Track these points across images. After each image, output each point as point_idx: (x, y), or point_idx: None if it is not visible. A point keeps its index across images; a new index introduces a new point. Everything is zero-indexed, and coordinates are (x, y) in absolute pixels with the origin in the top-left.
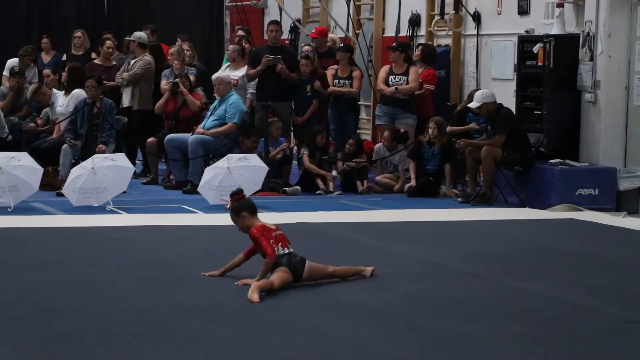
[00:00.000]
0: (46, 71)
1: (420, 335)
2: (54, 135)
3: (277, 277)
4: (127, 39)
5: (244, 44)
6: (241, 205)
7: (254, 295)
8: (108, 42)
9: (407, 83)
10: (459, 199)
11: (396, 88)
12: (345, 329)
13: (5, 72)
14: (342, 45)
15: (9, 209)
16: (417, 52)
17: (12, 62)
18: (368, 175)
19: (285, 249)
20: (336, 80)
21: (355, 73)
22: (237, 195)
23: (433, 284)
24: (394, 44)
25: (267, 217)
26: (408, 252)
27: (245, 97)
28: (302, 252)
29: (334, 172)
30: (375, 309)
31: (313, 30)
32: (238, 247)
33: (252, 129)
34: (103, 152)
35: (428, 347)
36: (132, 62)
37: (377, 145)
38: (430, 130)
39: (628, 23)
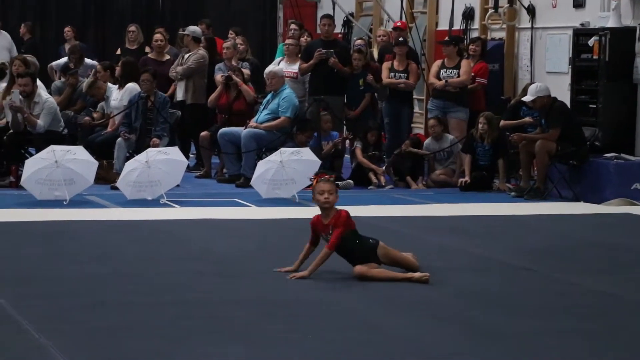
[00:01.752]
0: (98, 67)
1: (471, 329)
2: (109, 129)
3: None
4: (180, 32)
5: (305, 37)
6: (327, 179)
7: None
8: (157, 36)
9: (459, 76)
10: (513, 193)
11: (446, 81)
12: (397, 324)
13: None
14: (401, 39)
15: (64, 202)
16: (473, 47)
17: (58, 63)
18: (424, 172)
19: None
20: (392, 74)
21: (412, 66)
22: (331, 175)
23: (485, 279)
24: (447, 38)
25: (317, 211)
26: (460, 246)
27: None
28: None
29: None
30: (427, 303)
31: (398, 22)
32: (290, 241)
33: (307, 124)
34: (157, 145)
35: (479, 341)
36: (186, 56)
37: (425, 141)
38: (480, 125)
39: None
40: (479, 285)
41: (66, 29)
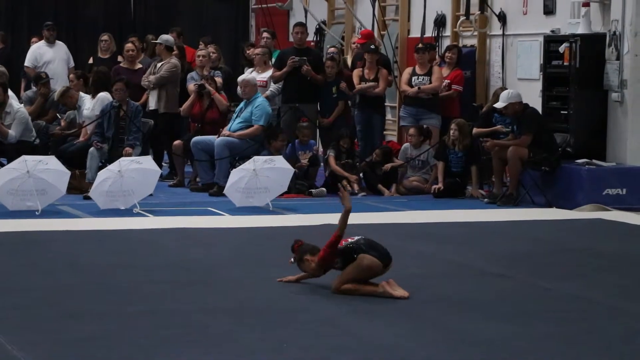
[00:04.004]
0: (71, 75)
1: (447, 335)
2: (81, 139)
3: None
4: (152, 41)
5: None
6: (303, 251)
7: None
8: (128, 45)
9: (430, 83)
10: (486, 199)
11: (419, 88)
12: (373, 330)
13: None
14: (371, 47)
15: (36, 212)
16: (449, 54)
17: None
18: (397, 178)
19: (355, 238)
20: (363, 81)
21: (382, 73)
22: (295, 244)
23: (460, 285)
24: (421, 45)
25: (293, 219)
26: (435, 252)
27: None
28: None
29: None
30: (403, 309)
31: (360, 36)
32: (264, 249)
33: (278, 130)
34: (130, 154)
35: (455, 347)
36: (159, 65)
37: (403, 146)
38: (451, 132)
39: None
40: (455, 291)
41: (33, 39)
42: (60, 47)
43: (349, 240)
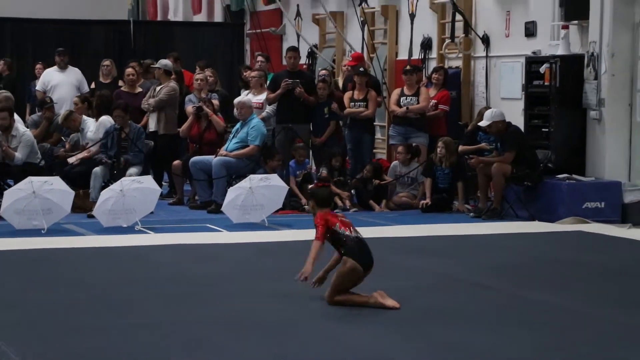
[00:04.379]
0: (75, 99)
1: (433, 344)
2: (84, 156)
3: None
4: (151, 66)
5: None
6: (311, 194)
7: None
8: (128, 70)
9: (418, 103)
10: (471, 214)
11: (407, 108)
12: (364, 340)
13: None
14: (361, 69)
15: (42, 231)
16: (436, 75)
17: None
18: (387, 195)
19: (354, 233)
20: (352, 103)
21: (371, 95)
22: (319, 183)
23: (446, 295)
24: (408, 67)
25: (288, 234)
26: (423, 265)
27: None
28: (322, 266)
29: (352, 190)
30: (392, 319)
31: (351, 59)
32: (261, 263)
33: (274, 150)
34: (127, 163)
35: (441, 355)
36: (158, 88)
37: (392, 163)
38: (438, 150)
39: (630, 43)
40: (441, 301)
41: (37, 66)
42: (72, 72)
43: (348, 231)
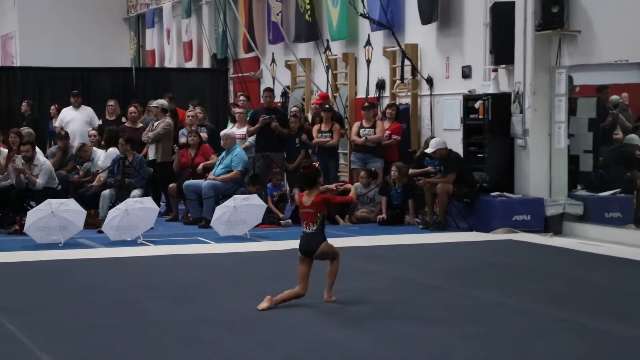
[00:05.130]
0: (92, 132)
1: (394, 337)
2: (95, 184)
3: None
4: (150, 104)
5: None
6: (302, 177)
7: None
8: (131, 109)
9: (375, 134)
10: (420, 226)
11: (366, 138)
12: (336, 335)
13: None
14: (327, 106)
15: (60, 245)
16: (389, 111)
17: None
18: (350, 211)
19: (307, 228)
20: (320, 134)
21: (335, 127)
22: (302, 169)
23: (403, 296)
24: (366, 104)
25: (267, 245)
26: (381, 270)
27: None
28: (295, 272)
29: None
30: (359, 318)
31: (318, 97)
32: (244, 270)
33: (257, 178)
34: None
35: (400, 347)
36: (155, 123)
37: (355, 185)
38: (392, 173)
39: (548, 83)
40: (398, 300)
41: (52, 107)
42: (85, 110)
43: None
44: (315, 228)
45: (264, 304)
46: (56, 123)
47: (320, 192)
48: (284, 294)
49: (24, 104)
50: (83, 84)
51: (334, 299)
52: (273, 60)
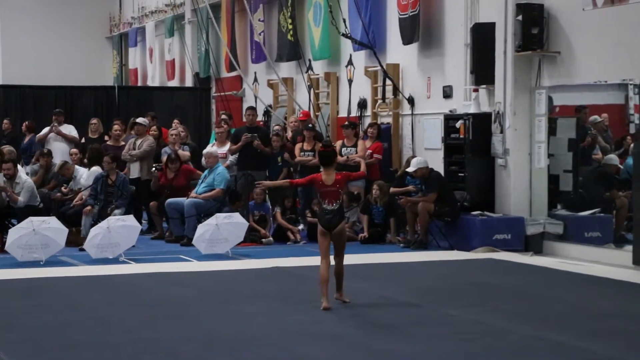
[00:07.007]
0: (73, 150)
1: (373, 354)
2: (77, 202)
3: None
4: (132, 122)
5: (223, 124)
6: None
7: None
8: (115, 127)
9: (357, 153)
10: (402, 244)
11: (347, 157)
12: (314, 351)
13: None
14: (309, 125)
15: (41, 262)
16: (371, 130)
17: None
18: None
19: (330, 205)
20: (302, 152)
21: (318, 146)
22: (327, 147)
23: (383, 313)
24: (346, 123)
25: (249, 263)
26: (363, 287)
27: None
28: (279, 290)
29: (301, 226)
30: (339, 333)
31: (301, 115)
32: (226, 288)
33: (236, 196)
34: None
35: None
36: (138, 142)
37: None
38: (374, 192)
39: (528, 103)
40: (379, 318)
41: (25, 123)
42: (66, 128)
43: None
44: (337, 205)
45: (325, 304)
46: (36, 140)
47: (336, 171)
48: (323, 286)
49: (5, 121)
50: (66, 102)
51: (347, 300)
52: (255, 79)
